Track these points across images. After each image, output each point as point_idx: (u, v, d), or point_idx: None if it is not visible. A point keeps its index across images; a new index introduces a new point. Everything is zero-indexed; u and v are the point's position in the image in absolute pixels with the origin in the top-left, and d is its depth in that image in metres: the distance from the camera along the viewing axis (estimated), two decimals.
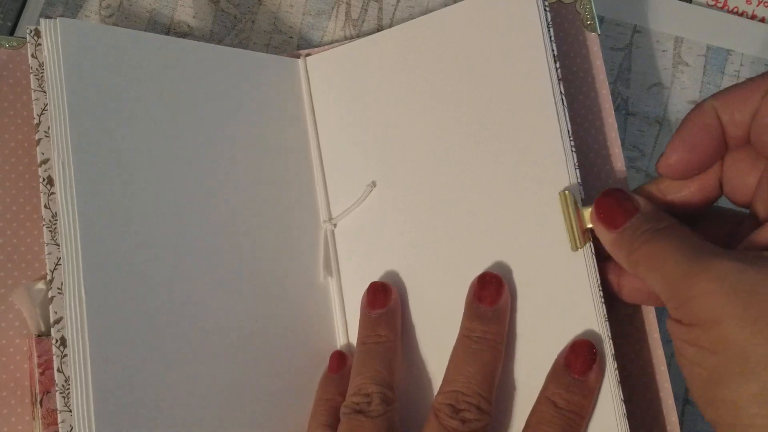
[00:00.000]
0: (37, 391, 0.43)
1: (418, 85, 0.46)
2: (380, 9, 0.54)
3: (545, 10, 0.42)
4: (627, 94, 0.52)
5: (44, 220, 0.39)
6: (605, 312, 0.39)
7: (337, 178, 0.48)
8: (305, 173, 0.48)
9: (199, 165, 0.43)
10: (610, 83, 0.51)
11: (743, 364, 0.29)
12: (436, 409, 0.38)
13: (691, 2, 0.53)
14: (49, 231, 0.39)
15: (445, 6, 0.46)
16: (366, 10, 0.54)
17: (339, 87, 0.48)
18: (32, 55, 0.41)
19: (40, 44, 0.41)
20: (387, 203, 0.46)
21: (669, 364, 0.41)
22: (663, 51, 0.52)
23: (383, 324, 0.42)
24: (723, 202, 0.39)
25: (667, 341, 0.37)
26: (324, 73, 0.49)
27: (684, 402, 0.48)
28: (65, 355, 0.37)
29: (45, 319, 0.44)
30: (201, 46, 0.46)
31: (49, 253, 0.38)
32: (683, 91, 0.52)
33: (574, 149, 0.41)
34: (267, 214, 0.45)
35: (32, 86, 0.41)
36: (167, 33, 0.54)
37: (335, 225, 0.47)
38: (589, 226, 0.39)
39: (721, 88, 0.51)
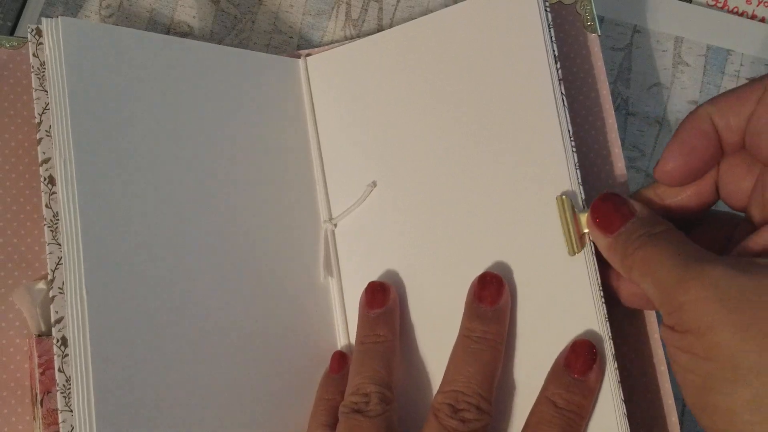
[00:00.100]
0: (38, 391, 0.43)
1: (418, 86, 0.46)
2: (380, 9, 0.54)
3: (546, 10, 0.42)
4: (627, 94, 0.52)
5: (45, 219, 0.39)
6: (605, 312, 0.39)
7: (337, 178, 0.48)
8: (305, 173, 0.48)
9: (200, 164, 0.43)
10: (610, 83, 0.51)
11: (735, 371, 0.29)
12: (436, 409, 0.38)
13: (691, 2, 0.53)
14: (50, 230, 0.39)
15: (446, 6, 0.46)
16: (366, 10, 0.54)
17: (339, 87, 0.48)
18: (33, 54, 0.41)
19: (41, 43, 0.41)
20: (387, 203, 0.46)
21: (669, 364, 0.41)
22: (663, 51, 0.52)
23: (382, 323, 0.42)
24: (721, 206, 0.39)
25: None
26: (324, 73, 0.49)
27: (684, 402, 0.48)
28: (66, 355, 0.37)
29: (45, 319, 0.44)
30: (202, 45, 0.46)
31: (50, 253, 0.38)
32: (683, 91, 0.52)
33: (575, 149, 0.41)
34: (267, 214, 0.45)
35: (33, 85, 0.41)
36: (167, 33, 0.54)
37: (335, 225, 0.47)
38: (586, 231, 0.39)
39: (722, 88, 0.51)
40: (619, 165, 0.45)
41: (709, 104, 0.36)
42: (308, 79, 0.49)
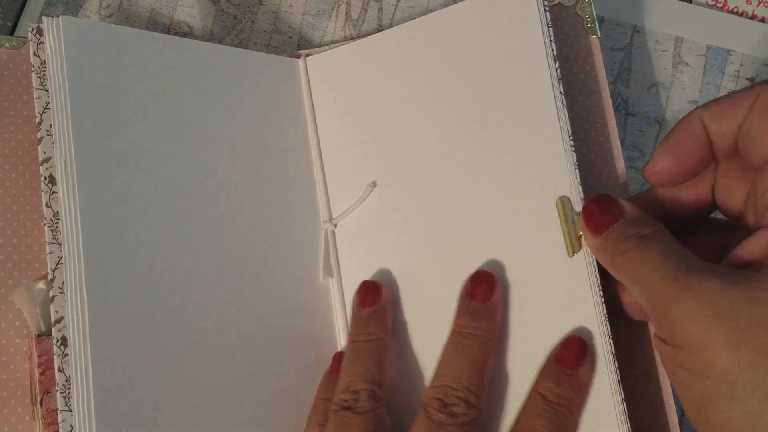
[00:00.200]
0: (38, 391, 0.42)
1: (418, 86, 0.46)
2: (380, 9, 0.54)
3: (545, 10, 0.42)
4: (627, 94, 0.52)
5: (45, 219, 0.39)
6: (605, 312, 0.39)
7: (337, 178, 0.48)
8: (305, 173, 0.48)
9: (200, 164, 0.43)
10: (610, 83, 0.51)
11: (731, 388, 0.29)
12: (425, 404, 0.39)
13: (691, 2, 0.53)
14: (51, 230, 0.39)
15: (445, 6, 0.46)
16: (366, 10, 0.54)
17: (339, 87, 0.48)
18: (34, 53, 0.41)
19: (42, 42, 0.41)
20: (387, 203, 0.46)
21: None
22: (663, 51, 0.52)
23: (373, 322, 0.42)
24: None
25: None
26: (324, 73, 0.49)
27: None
28: (66, 355, 0.37)
29: (45, 319, 0.44)
30: (202, 45, 0.46)
31: (50, 252, 0.38)
32: (683, 91, 0.52)
33: (573, 149, 0.41)
34: (267, 214, 0.45)
35: (34, 84, 0.41)
36: (167, 33, 0.54)
37: (335, 225, 0.47)
38: (581, 233, 0.39)
39: (721, 88, 0.51)
40: (619, 165, 0.45)
41: (702, 108, 0.36)
42: (308, 79, 0.49)
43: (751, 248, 0.32)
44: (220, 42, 0.54)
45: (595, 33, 0.47)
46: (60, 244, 0.38)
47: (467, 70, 0.44)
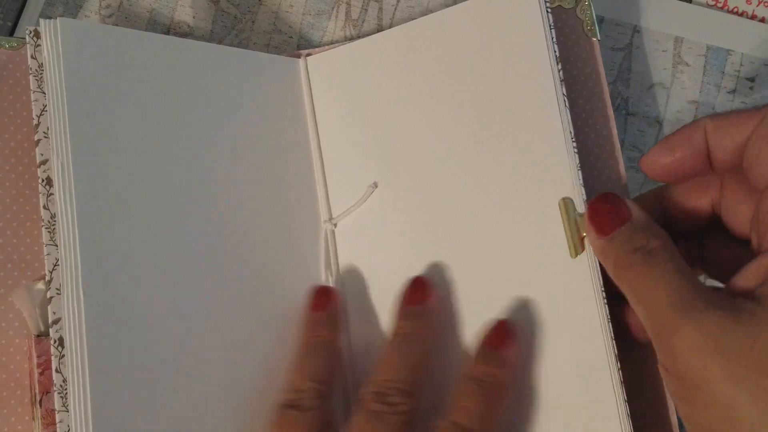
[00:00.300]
0: (37, 391, 0.43)
1: (419, 86, 0.46)
2: (380, 9, 0.54)
3: (547, 11, 0.42)
4: (627, 94, 0.52)
5: (43, 220, 0.39)
6: (608, 313, 0.39)
7: (337, 179, 0.48)
8: (306, 173, 0.48)
9: (200, 165, 0.43)
10: (610, 83, 0.51)
11: (732, 423, 0.30)
12: (361, 398, 0.39)
13: (691, 2, 0.53)
14: (48, 231, 0.39)
15: (446, 6, 0.46)
16: (366, 10, 0.54)
17: (339, 87, 0.48)
18: (32, 56, 0.41)
19: (39, 45, 0.41)
20: (387, 204, 0.46)
21: None
22: (663, 51, 0.52)
23: (324, 325, 0.43)
24: None
25: None
26: (324, 73, 0.49)
27: None
28: (63, 356, 0.37)
29: (45, 320, 0.44)
30: (201, 45, 0.46)
31: (47, 254, 0.38)
32: (683, 91, 0.52)
33: (576, 150, 0.41)
34: (267, 214, 0.45)
35: (32, 87, 0.40)
36: (167, 33, 0.54)
37: (336, 225, 0.47)
38: (584, 234, 0.39)
39: (721, 87, 0.51)
40: (619, 165, 0.45)
41: (709, 119, 0.36)
42: (308, 79, 0.49)
43: (750, 275, 0.32)
44: (220, 42, 0.53)
45: (595, 35, 0.47)
46: (57, 246, 0.38)
47: (469, 71, 0.44)
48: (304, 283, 0.46)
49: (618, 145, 0.45)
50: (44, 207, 0.39)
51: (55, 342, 0.37)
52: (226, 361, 0.42)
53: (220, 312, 0.42)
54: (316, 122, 0.48)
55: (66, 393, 0.37)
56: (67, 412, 0.37)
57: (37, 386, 0.43)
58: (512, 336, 0.40)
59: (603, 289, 0.39)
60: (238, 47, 0.53)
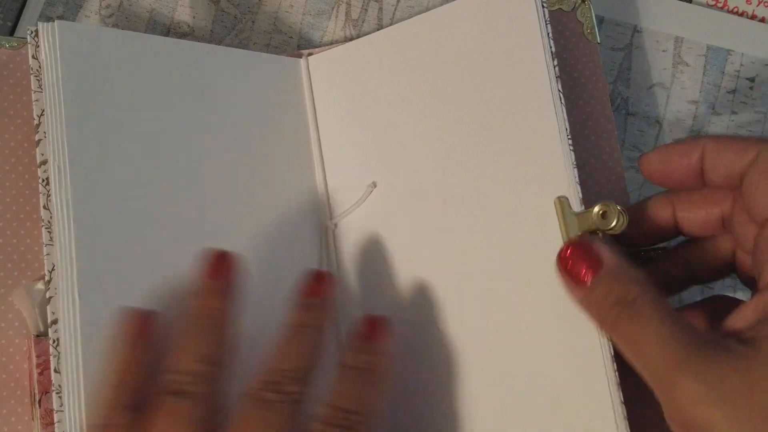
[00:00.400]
0: (36, 391, 0.43)
1: (418, 85, 0.46)
2: (380, 9, 0.54)
3: (543, 7, 0.42)
4: (627, 94, 0.52)
5: (43, 221, 0.39)
6: None
7: (337, 178, 0.48)
8: (306, 173, 0.48)
9: (199, 167, 0.43)
10: (610, 83, 0.51)
11: None
12: (249, 387, 0.36)
13: (691, 2, 0.53)
14: (48, 232, 0.38)
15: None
16: (366, 10, 0.54)
17: (339, 87, 0.48)
18: (33, 56, 0.40)
19: (39, 46, 0.41)
20: (387, 203, 0.46)
21: None
22: (663, 51, 0.52)
23: (218, 294, 0.38)
24: None
25: None
26: (325, 73, 0.49)
27: None
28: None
29: (44, 319, 0.44)
30: (201, 47, 0.46)
31: (47, 254, 0.38)
32: (683, 91, 0.52)
33: (572, 147, 0.41)
34: (267, 213, 0.45)
35: (33, 87, 0.40)
36: (167, 33, 0.54)
37: (336, 225, 0.47)
38: (579, 233, 0.39)
39: (721, 88, 0.51)
40: (619, 165, 0.45)
41: (710, 140, 0.37)
42: (310, 79, 0.49)
43: (743, 316, 0.33)
44: (220, 42, 0.53)
45: (594, 39, 0.47)
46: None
47: (467, 69, 0.44)
48: None
49: (618, 147, 0.45)
50: (44, 207, 0.39)
51: (54, 342, 0.37)
52: None
53: None
54: (317, 122, 0.48)
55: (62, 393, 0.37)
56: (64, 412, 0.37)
57: (36, 386, 0.43)
58: (382, 327, 0.39)
59: None
60: (238, 47, 0.53)
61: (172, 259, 0.41)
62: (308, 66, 0.49)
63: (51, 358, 0.37)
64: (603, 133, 0.46)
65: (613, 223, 0.39)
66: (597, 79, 0.47)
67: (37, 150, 0.40)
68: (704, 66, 0.52)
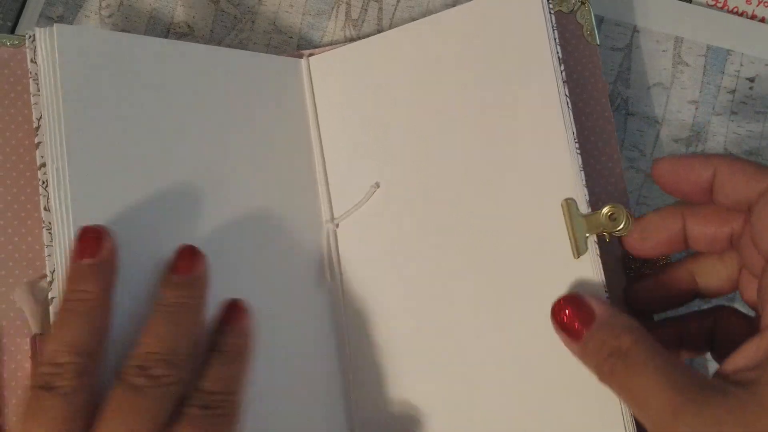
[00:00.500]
0: None
1: (422, 87, 0.46)
2: (380, 9, 0.54)
3: (550, 13, 0.42)
4: (627, 94, 0.52)
5: (44, 222, 0.39)
6: None
7: (339, 179, 0.48)
8: (308, 174, 0.48)
9: (200, 168, 0.43)
10: (610, 83, 0.51)
11: None
12: (122, 372, 0.35)
13: (691, 2, 0.53)
14: (49, 233, 0.38)
15: (446, 6, 0.46)
16: (366, 10, 0.54)
17: (341, 87, 0.48)
18: (31, 60, 0.40)
19: (38, 49, 0.40)
20: (389, 204, 0.46)
21: None
22: (663, 51, 0.52)
23: (91, 277, 0.36)
24: None
25: None
26: (326, 74, 0.49)
27: None
28: None
29: (46, 318, 0.44)
30: (201, 48, 0.46)
31: (48, 255, 0.38)
32: (683, 91, 0.52)
33: (579, 152, 0.41)
34: (269, 214, 0.45)
35: (32, 91, 0.40)
36: (167, 33, 0.54)
37: (338, 225, 0.47)
38: (587, 235, 0.40)
39: (721, 88, 0.51)
40: (619, 165, 0.45)
41: (725, 162, 0.36)
42: (311, 79, 0.49)
43: (741, 359, 0.33)
44: (219, 42, 0.53)
45: (594, 41, 0.47)
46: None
47: (471, 72, 0.44)
48: (306, 284, 0.46)
49: (617, 148, 0.45)
50: (45, 209, 0.39)
51: None
52: None
53: None
54: (318, 122, 0.48)
55: None
56: None
57: None
58: (243, 310, 0.39)
59: (606, 289, 0.39)
60: (238, 47, 0.53)
61: None
62: (309, 66, 0.49)
63: None
64: (603, 134, 0.46)
65: (621, 225, 0.39)
66: (597, 80, 0.47)
67: (37, 152, 0.40)
68: (704, 66, 0.52)
